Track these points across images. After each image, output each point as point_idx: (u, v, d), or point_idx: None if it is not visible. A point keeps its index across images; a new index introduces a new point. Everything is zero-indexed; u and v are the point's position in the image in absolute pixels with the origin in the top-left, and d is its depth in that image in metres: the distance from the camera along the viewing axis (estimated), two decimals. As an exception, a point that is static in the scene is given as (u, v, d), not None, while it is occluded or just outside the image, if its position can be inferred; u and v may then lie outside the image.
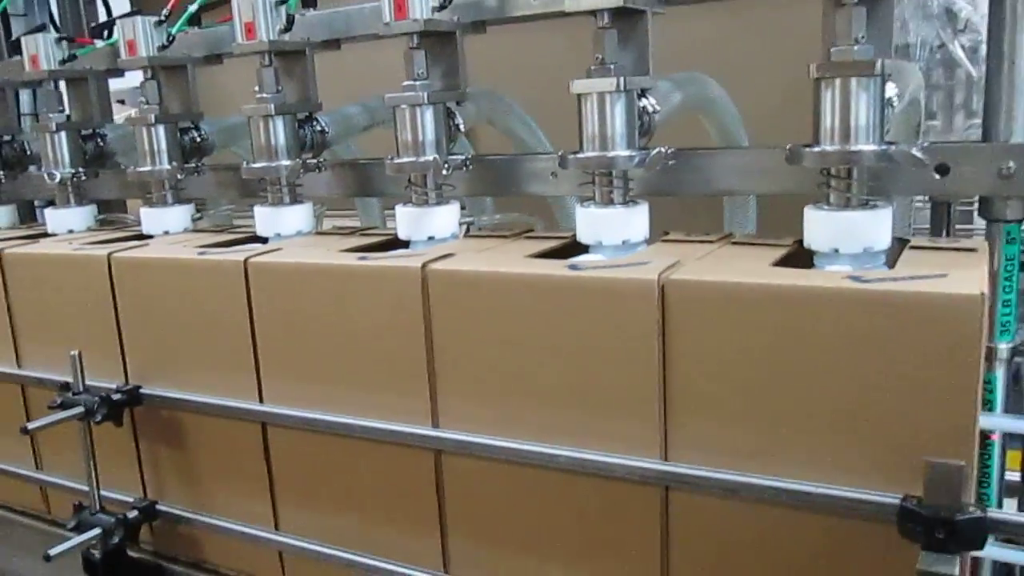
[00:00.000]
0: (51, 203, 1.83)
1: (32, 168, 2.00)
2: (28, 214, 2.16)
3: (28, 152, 1.98)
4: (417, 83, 1.29)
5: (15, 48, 2.00)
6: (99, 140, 1.84)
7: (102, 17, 2.24)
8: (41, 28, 1.99)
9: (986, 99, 1.12)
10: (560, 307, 1.00)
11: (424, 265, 1.09)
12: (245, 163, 1.49)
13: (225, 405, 1.29)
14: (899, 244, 1.07)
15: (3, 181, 1.94)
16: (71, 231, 1.77)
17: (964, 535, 0.79)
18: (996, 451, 1.21)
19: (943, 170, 1.10)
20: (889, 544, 0.85)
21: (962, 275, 0.86)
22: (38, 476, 1.62)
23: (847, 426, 0.88)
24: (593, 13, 1.14)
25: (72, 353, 1.37)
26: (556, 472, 1.05)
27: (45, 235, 1.76)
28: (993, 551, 1.03)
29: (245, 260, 1.24)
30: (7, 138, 1.96)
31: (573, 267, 1.02)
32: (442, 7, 1.27)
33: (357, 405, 1.19)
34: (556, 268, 1.02)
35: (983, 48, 3.09)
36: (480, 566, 1.15)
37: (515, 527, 1.11)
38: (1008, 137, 1.09)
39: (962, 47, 2.92)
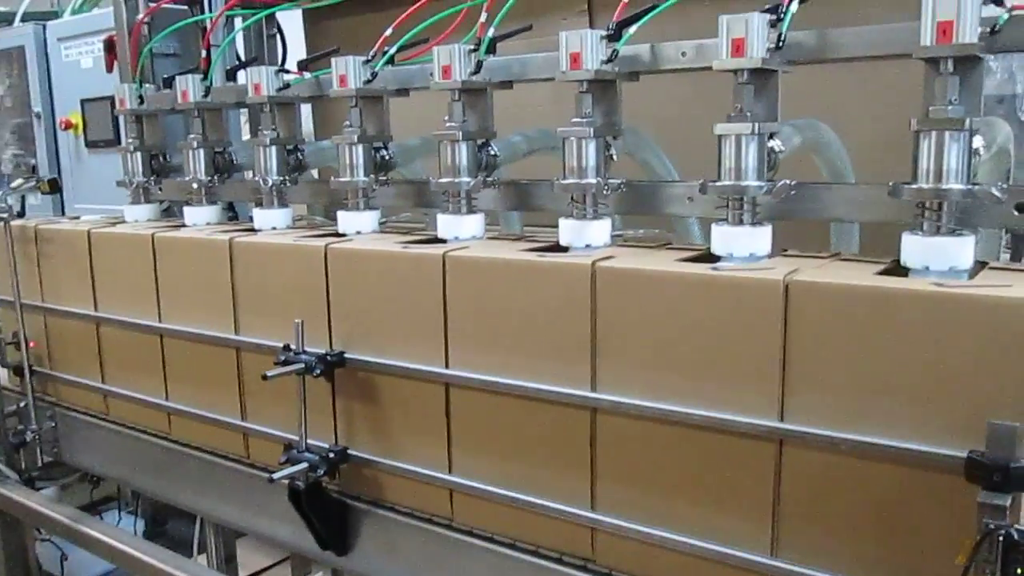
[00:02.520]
0: (258, 204, 2.21)
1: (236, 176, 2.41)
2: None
3: (233, 162, 2.39)
4: (584, 120, 1.61)
5: (230, 77, 2.43)
6: (299, 154, 2.22)
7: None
8: (253, 61, 2.39)
9: (1059, 150, 1.37)
10: (704, 299, 1.30)
11: (593, 263, 1.40)
12: (431, 178, 1.83)
13: (423, 369, 1.63)
14: (980, 266, 1.33)
15: (216, 184, 2.34)
16: (274, 227, 2.15)
17: (1017, 479, 1.04)
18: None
19: (1021, 208, 1.35)
20: (953, 489, 1.11)
21: (1024, 287, 1.13)
22: (246, 425, 1.99)
23: (925, 398, 1.14)
24: (735, 71, 1.44)
25: (296, 321, 1.72)
26: (691, 429, 1.34)
27: (251, 230, 2.14)
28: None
29: (444, 254, 1.57)
30: (219, 150, 2.37)
31: (715, 268, 1.31)
32: (609, 60, 1.58)
33: (528, 372, 1.50)
34: (702, 269, 1.32)
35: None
36: (620, 505, 1.44)
37: (651, 474, 1.40)
38: (1078, 183, 1.34)
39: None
